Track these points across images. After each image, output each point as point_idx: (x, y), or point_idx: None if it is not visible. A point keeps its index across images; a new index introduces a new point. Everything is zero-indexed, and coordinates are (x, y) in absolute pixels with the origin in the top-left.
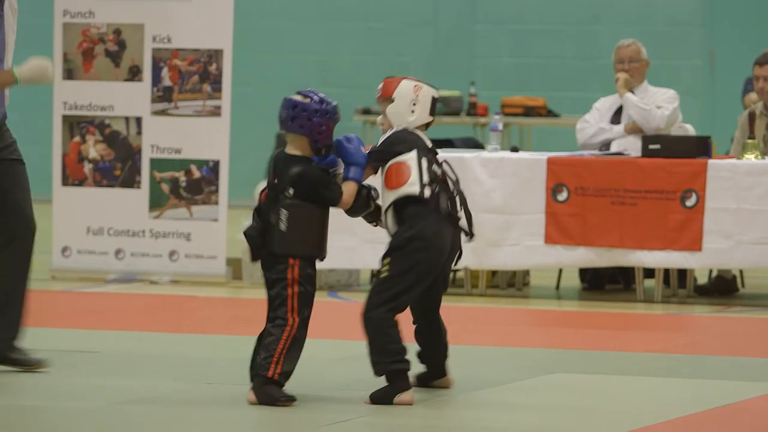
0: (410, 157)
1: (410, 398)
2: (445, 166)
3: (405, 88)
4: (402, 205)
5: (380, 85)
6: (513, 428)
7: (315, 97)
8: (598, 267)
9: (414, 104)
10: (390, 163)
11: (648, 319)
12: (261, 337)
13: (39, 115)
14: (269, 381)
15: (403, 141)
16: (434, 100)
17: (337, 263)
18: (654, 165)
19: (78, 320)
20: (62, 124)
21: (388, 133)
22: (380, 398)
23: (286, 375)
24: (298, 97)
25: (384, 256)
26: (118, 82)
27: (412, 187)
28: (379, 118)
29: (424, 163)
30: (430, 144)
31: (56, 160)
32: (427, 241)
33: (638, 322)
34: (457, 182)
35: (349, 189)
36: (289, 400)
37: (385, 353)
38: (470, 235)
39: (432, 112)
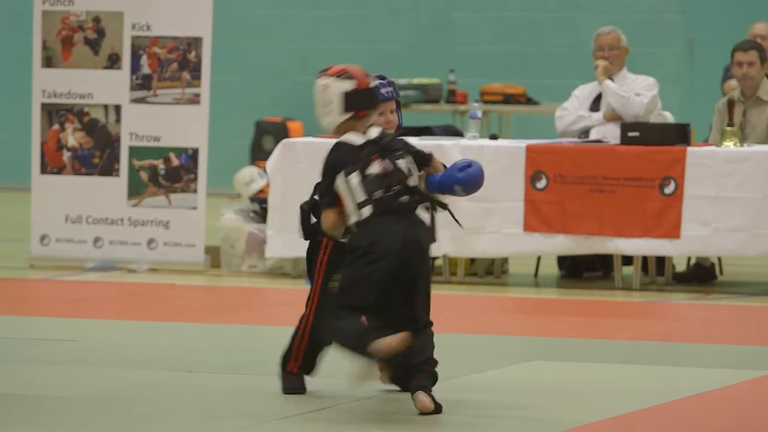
0: (339, 186)
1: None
2: (395, 154)
3: (316, 90)
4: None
5: None
6: (491, 415)
7: None
8: (576, 255)
9: (325, 106)
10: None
11: (626, 307)
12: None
13: (18, 103)
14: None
15: (333, 164)
16: (348, 95)
17: None
18: (633, 152)
19: (56, 308)
20: (41, 112)
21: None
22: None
23: (306, 367)
24: None
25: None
26: (97, 70)
27: (350, 219)
28: None
29: (354, 179)
30: (364, 138)
31: (35, 148)
32: (368, 248)
33: (617, 309)
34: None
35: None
36: (292, 392)
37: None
38: (450, 214)
39: (349, 108)
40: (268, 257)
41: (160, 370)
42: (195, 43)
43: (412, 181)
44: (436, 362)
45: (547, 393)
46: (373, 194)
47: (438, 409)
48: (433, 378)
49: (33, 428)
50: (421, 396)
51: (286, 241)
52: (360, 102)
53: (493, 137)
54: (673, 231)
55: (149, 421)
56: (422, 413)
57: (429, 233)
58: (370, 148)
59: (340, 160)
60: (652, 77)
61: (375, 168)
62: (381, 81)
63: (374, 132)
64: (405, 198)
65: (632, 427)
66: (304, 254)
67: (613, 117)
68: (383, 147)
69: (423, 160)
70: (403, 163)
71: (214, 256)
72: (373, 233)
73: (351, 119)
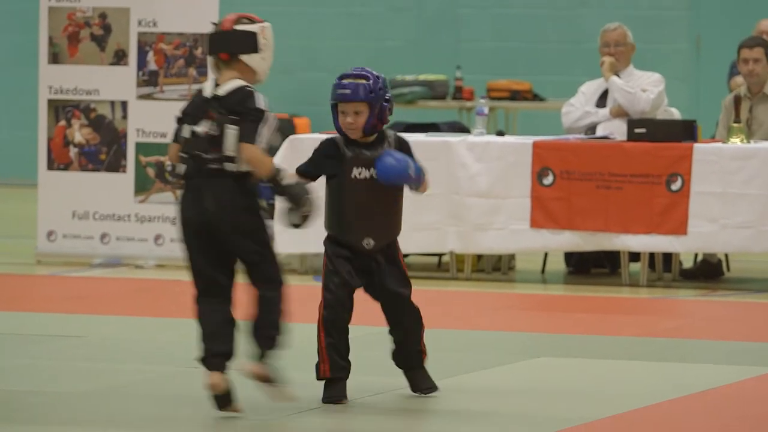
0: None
1: (217, 380)
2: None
3: None
4: None
5: None
6: (498, 412)
7: None
8: (583, 251)
9: None
10: None
11: (633, 303)
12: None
13: (24, 99)
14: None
15: (183, 108)
16: (209, 37)
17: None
18: (639, 149)
19: (63, 305)
20: (48, 108)
21: None
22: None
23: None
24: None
25: None
26: (103, 66)
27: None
28: None
29: (186, 131)
30: (214, 92)
31: (42, 144)
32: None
33: (623, 306)
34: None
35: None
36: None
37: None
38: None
39: (209, 49)
40: None
41: (167, 366)
42: (201, 39)
43: (232, 152)
44: (274, 326)
45: (553, 389)
46: (191, 152)
47: (271, 374)
48: (269, 343)
49: (40, 424)
50: (247, 366)
51: (294, 237)
52: (213, 45)
53: (500, 133)
54: (679, 227)
55: (156, 416)
56: (257, 380)
57: (232, 203)
58: (211, 104)
59: (186, 106)
60: (659, 73)
61: (203, 127)
62: (340, 81)
63: (228, 87)
64: (217, 166)
65: (639, 423)
66: (312, 250)
67: (619, 113)
68: (223, 107)
69: (244, 133)
70: (231, 131)
71: None
72: (181, 206)
73: (219, 64)
